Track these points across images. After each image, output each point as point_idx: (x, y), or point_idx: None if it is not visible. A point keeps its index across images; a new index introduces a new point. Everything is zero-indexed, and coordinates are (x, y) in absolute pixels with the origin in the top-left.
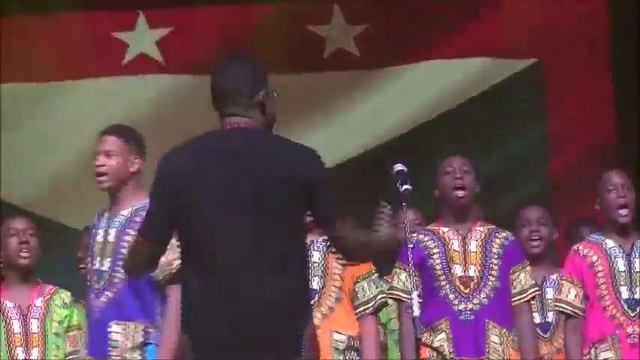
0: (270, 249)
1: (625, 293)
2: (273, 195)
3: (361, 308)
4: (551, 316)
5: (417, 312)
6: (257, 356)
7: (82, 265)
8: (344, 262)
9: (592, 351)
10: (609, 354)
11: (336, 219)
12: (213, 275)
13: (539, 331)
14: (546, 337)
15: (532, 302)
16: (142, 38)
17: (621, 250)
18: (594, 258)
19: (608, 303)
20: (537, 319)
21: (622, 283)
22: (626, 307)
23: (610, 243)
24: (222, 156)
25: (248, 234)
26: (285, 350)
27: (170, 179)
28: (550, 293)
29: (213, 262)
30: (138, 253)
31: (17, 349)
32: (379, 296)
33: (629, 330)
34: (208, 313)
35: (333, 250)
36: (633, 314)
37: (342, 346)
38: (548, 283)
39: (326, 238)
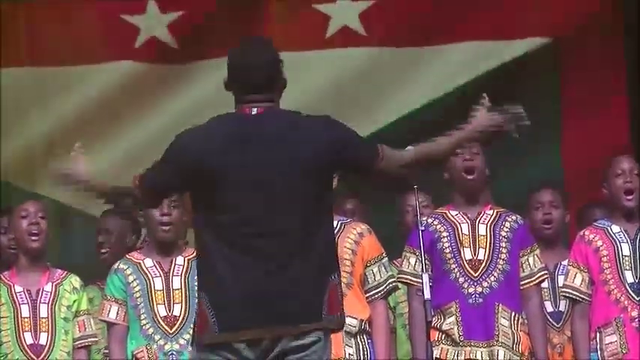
0: (296, 222)
1: (629, 277)
2: (299, 171)
3: (372, 292)
4: (563, 305)
5: (427, 295)
6: (277, 323)
7: (103, 250)
8: (354, 247)
9: (597, 335)
10: (614, 337)
11: (374, 160)
12: (237, 249)
13: (551, 320)
14: (558, 327)
15: (543, 286)
16: (153, 22)
17: (626, 235)
18: (599, 243)
19: (612, 287)
20: (549, 308)
21: (627, 267)
22: (630, 291)
23: (615, 228)
24: (246, 138)
25: (275, 209)
26: (304, 317)
27: (190, 153)
28: (562, 281)
29: (239, 234)
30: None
31: (25, 333)
32: (389, 280)
33: (634, 314)
34: (230, 285)
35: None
36: (638, 298)
37: (354, 330)
38: (560, 270)
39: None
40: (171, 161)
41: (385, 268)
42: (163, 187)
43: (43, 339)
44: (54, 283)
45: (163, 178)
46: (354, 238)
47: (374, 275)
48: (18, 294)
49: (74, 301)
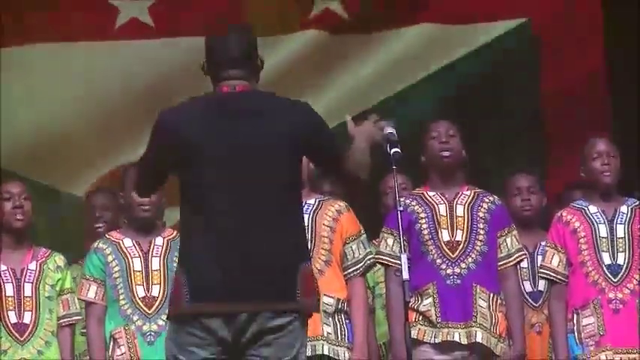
0: (269, 204)
1: (607, 259)
2: (274, 151)
3: (350, 269)
4: (542, 285)
5: (406, 275)
6: (251, 302)
7: (98, 225)
8: (332, 224)
9: (574, 316)
10: (591, 319)
11: (341, 158)
12: (214, 225)
13: (530, 299)
14: (537, 306)
15: (522, 266)
16: (134, 3)
17: (604, 216)
18: (577, 224)
19: (590, 269)
20: (528, 287)
21: (604, 249)
22: (608, 272)
23: (593, 209)
24: (224, 116)
25: (249, 189)
26: (279, 295)
27: (172, 134)
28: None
29: (214, 215)
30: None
31: (9, 312)
32: (368, 257)
33: (611, 295)
34: (206, 259)
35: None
36: (615, 280)
37: (330, 310)
38: (540, 250)
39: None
40: (154, 140)
41: (364, 245)
42: (156, 167)
43: (27, 318)
44: (38, 262)
45: (152, 157)
46: (332, 216)
47: (353, 252)
48: (2, 273)
49: (58, 280)
